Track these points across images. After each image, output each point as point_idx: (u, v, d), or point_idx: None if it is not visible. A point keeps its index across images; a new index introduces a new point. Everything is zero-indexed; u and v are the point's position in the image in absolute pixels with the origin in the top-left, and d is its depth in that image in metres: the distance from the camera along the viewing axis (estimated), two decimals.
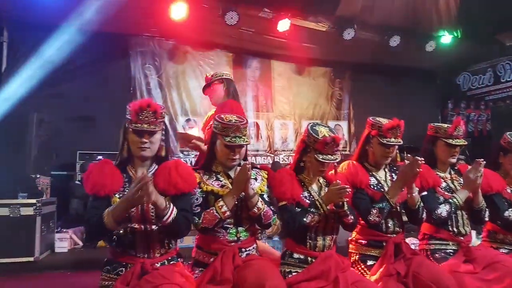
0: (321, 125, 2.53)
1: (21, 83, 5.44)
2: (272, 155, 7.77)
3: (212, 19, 6.34)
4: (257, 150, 7.64)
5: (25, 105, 5.30)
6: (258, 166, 2.57)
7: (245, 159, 2.45)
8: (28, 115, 4.76)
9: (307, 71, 8.36)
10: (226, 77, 3.75)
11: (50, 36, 5.53)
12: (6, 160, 4.38)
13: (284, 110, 8.06)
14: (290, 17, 6.50)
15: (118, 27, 6.21)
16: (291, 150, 7.88)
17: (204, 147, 3.37)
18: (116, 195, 2.09)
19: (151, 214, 2.10)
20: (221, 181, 2.36)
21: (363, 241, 2.65)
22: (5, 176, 4.29)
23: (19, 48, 5.99)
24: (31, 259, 3.98)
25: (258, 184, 2.41)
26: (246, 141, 2.32)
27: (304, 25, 6.87)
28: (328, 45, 7.45)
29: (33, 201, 4.06)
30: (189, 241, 4.33)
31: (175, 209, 2.09)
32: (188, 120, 7.37)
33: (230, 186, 2.32)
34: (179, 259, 2.27)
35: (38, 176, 4.51)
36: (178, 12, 5.77)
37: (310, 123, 2.53)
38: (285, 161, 7.68)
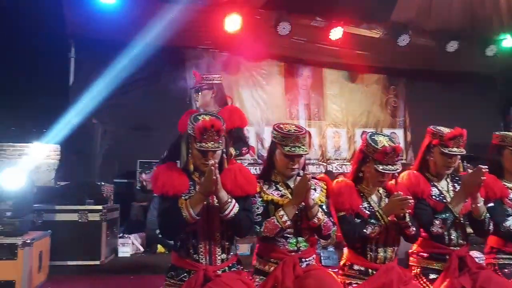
0: (380, 134, 2.50)
1: (88, 96, 5.79)
2: (325, 164, 7.72)
3: (265, 29, 6.45)
4: (309, 159, 7.60)
5: (91, 117, 5.64)
6: (317, 176, 2.58)
7: (303, 169, 2.48)
8: (93, 126, 5.06)
9: (360, 78, 8.26)
10: (216, 81, 3.68)
11: (114, 51, 5.87)
12: (74, 168, 4.69)
13: (337, 118, 8.01)
14: (342, 24, 6.48)
15: (176, 41, 6.46)
16: (345, 159, 7.81)
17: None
18: (183, 196, 2.17)
19: (215, 204, 2.17)
20: (280, 191, 2.38)
21: (425, 254, 2.57)
22: (74, 183, 4.58)
23: (85, 63, 6.41)
24: (98, 262, 4.20)
25: (317, 194, 2.41)
26: (306, 150, 2.34)
27: (357, 32, 6.82)
28: (382, 52, 7.35)
29: (99, 207, 4.29)
30: (244, 249, 4.43)
31: (237, 205, 2.15)
32: None
33: (289, 196, 2.35)
34: (239, 266, 2.32)
35: (103, 183, 4.76)
36: (232, 24, 5.92)
37: (369, 132, 2.51)
38: (338, 170, 7.62)
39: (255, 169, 7.24)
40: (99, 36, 6.08)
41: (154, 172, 2.26)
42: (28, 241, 3.42)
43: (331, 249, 4.75)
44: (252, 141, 7.56)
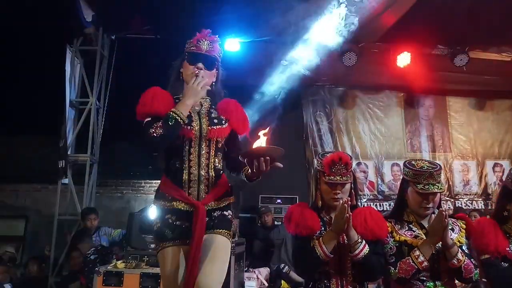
0: None
1: None
2: (453, 200, 7.16)
3: (382, 61, 6.37)
4: None
5: None
6: (455, 215, 2.44)
7: (439, 207, 2.36)
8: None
9: (489, 105, 7.63)
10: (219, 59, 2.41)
11: (240, 95, 6.29)
12: None
13: (464, 150, 7.44)
14: (468, 50, 6.13)
15: (294, 81, 6.69)
16: (475, 194, 7.20)
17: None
18: (315, 236, 2.22)
19: (345, 242, 2.18)
20: (414, 231, 2.30)
21: None
22: None
23: None
24: None
25: (455, 235, 2.28)
26: (441, 188, 2.24)
27: (484, 57, 6.37)
28: None
29: None
30: None
31: (367, 246, 2.15)
32: (358, 164, 7.37)
33: (423, 237, 2.25)
34: None
35: None
36: (350, 59, 6.00)
37: None
38: (468, 206, 7.02)
39: (375, 205, 7.02)
40: (225, 82, 6.58)
41: (287, 212, 2.36)
42: None
43: None
44: (371, 176, 7.37)
